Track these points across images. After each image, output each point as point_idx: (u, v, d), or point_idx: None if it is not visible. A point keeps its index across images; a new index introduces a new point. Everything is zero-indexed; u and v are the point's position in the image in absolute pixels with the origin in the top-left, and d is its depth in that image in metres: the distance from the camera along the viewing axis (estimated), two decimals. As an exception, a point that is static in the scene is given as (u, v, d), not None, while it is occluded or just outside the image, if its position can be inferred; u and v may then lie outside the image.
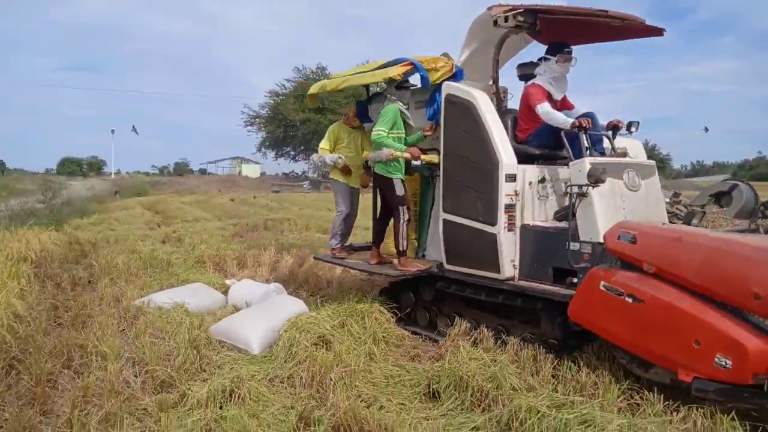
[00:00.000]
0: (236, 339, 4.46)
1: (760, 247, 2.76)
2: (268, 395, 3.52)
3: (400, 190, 4.78)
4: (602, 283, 3.40)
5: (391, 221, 4.99)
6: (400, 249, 4.82)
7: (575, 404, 2.98)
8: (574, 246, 3.90)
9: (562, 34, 4.66)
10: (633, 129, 4.98)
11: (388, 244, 5.24)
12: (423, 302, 5.18)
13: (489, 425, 3.01)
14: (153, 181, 43.21)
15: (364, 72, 5.21)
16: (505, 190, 4.23)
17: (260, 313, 4.76)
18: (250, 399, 3.39)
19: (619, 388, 3.27)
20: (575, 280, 3.88)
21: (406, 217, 4.79)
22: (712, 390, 2.90)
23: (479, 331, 4.35)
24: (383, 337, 4.53)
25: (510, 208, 4.26)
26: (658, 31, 4.62)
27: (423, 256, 5.37)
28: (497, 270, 4.32)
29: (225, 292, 5.99)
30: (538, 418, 2.81)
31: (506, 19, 4.40)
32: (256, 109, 45.78)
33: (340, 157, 5.35)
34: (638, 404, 3.15)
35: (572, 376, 3.56)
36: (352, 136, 5.64)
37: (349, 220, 5.69)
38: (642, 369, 3.38)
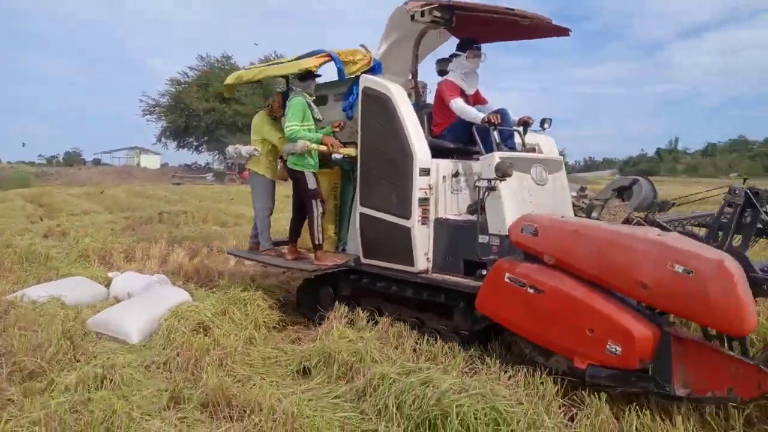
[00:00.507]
0: (115, 330, 4.35)
1: (646, 239, 2.90)
2: (143, 380, 3.55)
3: (312, 184, 4.70)
4: (507, 274, 3.48)
5: None
6: (316, 243, 4.76)
7: (422, 370, 3.29)
8: (483, 239, 3.97)
9: (477, 31, 4.74)
10: (546, 126, 5.13)
11: (308, 238, 5.17)
12: (342, 297, 5.13)
13: (348, 394, 3.29)
14: (39, 172, 40.01)
15: (282, 63, 5.09)
16: (419, 183, 4.25)
17: (141, 304, 4.66)
18: (123, 384, 3.39)
19: (464, 357, 3.74)
20: (484, 272, 3.95)
21: (320, 210, 4.73)
22: (603, 376, 3.03)
23: (355, 313, 4.54)
24: (264, 322, 4.65)
25: (424, 201, 4.29)
26: (564, 31, 4.78)
27: (344, 250, 5.33)
28: (411, 263, 4.34)
29: (108, 285, 5.73)
30: (390, 384, 3.11)
31: (422, 14, 4.42)
32: (155, 97, 42.69)
33: (256, 149, 5.20)
34: (479, 368, 3.56)
35: (428, 348, 3.94)
36: (277, 127, 5.50)
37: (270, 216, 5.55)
38: (543, 357, 3.49)
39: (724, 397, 2.73)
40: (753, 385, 2.64)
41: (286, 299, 5.59)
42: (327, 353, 3.74)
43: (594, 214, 4.09)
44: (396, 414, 2.89)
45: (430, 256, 4.37)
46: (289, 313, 5.25)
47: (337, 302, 4.89)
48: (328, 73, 4.89)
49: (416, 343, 4.06)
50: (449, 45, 5.27)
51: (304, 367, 3.78)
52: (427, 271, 4.37)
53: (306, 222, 4.91)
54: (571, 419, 2.96)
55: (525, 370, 3.33)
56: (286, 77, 5.45)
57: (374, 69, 4.73)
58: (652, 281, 2.83)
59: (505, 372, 3.41)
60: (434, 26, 4.68)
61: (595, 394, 3.00)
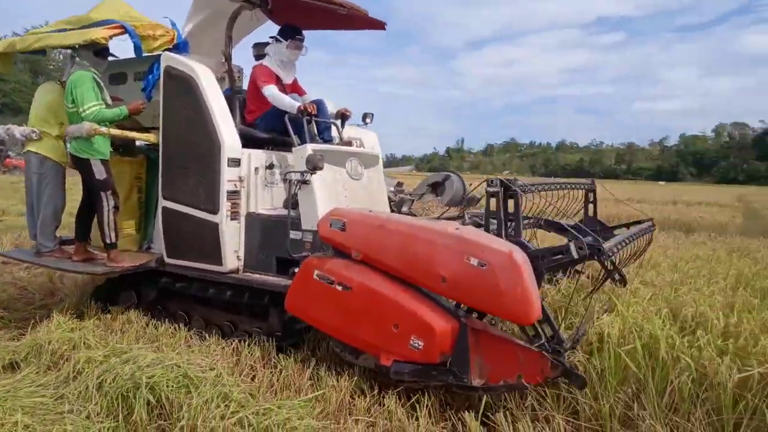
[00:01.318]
0: None
1: (445, 233, 2.92)
2: None
3: (100, 173, 4.09)
4: (316, 272, 3.31)
5: None
6: (108, 241, 4.16)
7: (132, 350, 3.31)
8: (295, 235, 3.77)
9: (294, 16, 4.52)
10: (368, 120, 5.10)
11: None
12: (147, 301, 4.58)
13: (54, 382, 3.21)
14: None
15: (66, 30, 4.35)
16: (227, 175, 3.91)
17: None
18: None
19: (184, 336, 3.94)
20: (296, 270, 3.75)
21: (111, 204, 4.13)
22: (407, 371, 3.00)
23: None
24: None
25: (233, 194, 3.96)
26: (380, 25, 4.77)
27: (149, 248, 4.76)
28: (220, 262, 3.99)
29: None
30: (95, 367, 3.13)
31: (234, -9, 4.08)
32: None
33: (34, 131, 4.38)
34: (196, 345, 3.79)
35: (153, 331, 4.02)
36: None
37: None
38: (353, 356, 3.39)
39: (514, 384, 2.85)
40: (537, 370, 2.79)
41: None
42: (37, 345, 3.59)
43: (404, 209, 4.12)
44: (95, 394, 2.92)
45: (241, 254, 4.06)
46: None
47: (136, 306, 4.35)
48: (124, 48, 4.30)
49: (144, 329, 4.08)
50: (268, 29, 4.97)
51: (13, 362, 3.54)
52: (237, 271, 4.05)
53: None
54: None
55: (237, 342, 3.74)
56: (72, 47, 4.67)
57: (179, 47, 4.26)
58: (450, 275, 2.85)
59: (220, 346, 3.72)
60: (248, 6, 4.37)
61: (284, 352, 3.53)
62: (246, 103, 4.54)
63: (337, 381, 3.19)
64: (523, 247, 2.96)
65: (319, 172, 3.66)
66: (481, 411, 2.88)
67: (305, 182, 3.70)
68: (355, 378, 3.25)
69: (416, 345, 2.96)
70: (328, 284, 3.26)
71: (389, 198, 4.55)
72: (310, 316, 3.43)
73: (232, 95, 4.55)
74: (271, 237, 3.97)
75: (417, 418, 2.87)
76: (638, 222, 4.42)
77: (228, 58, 4.63)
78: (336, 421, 2.90)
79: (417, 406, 2.97)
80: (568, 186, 4.19)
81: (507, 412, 2.85)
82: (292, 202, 3.75)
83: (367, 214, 3.23)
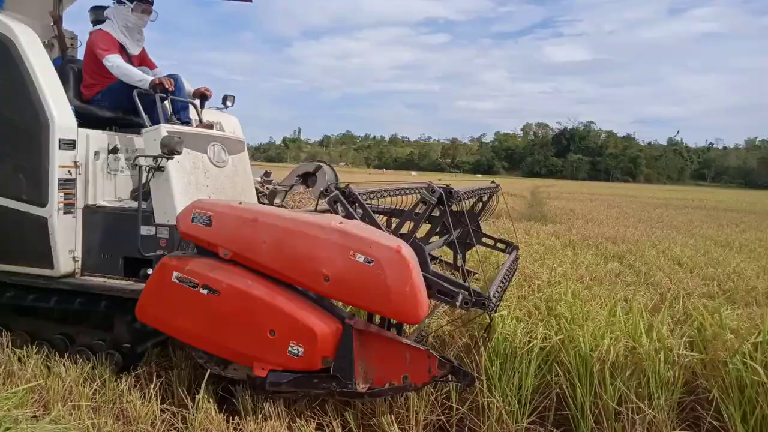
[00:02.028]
0: None
1: (328, 228, 2.67)
2: None
3: None
4: (175, 273, 2.85)
5: None
6: None
7: None
8: (147, 231, 3.26)
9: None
10: (229, 103, 4.63)
11: None
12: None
13: None
14: None
15: None
16: (59, 160, 3.25)
17: None
18: None
19: None
20: (150, 272, 3.24)
21: None
22: (285, 381, 2.71)
23: None
24: None
25: (67, 183, 3.31)
26: None
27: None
28: (50, 265, 3.32)
29: None
30: None
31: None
32: None
33: None
34: None
35: None
36: None
37: None
38: (220, 367, 3.00)
39: (401, 386, 2.69)
40: (424, 369, 2.66)
41: None
42: None
43: (277, 201, 3.77)
44: None
45: (78, 254, 3.42)
46: None
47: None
48: None
49: None
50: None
51: None
52: (74, 274, 3.41)
53: None
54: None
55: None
56: None
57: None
58: (334, 273, 2.60)
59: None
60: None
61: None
62: (82, 75, 3.83)
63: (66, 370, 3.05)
64: (421, 252, 2.78)
65: (176, 158, 3.17)
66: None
67: (159, 169, 3.19)
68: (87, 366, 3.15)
69: (296, 351, 2.67)
70: (190, 288, 2.83)
71: (257, 189, 4.16)
72: (167, 325, 2.96)
73: (63, 65, 3.82)
74: (117, 234, 3.39)
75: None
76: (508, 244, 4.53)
77: (58, 21, 3.88)
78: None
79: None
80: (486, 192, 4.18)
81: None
82: (143, 193, 3.22)
83: (237, 207, 2.85)
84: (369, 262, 2.56)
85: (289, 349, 2.68)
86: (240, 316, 2.75)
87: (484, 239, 4.46)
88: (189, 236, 2.90)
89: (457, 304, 2.73)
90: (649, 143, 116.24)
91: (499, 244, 4.53)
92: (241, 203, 2.89)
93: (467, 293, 2.72)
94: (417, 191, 4.25)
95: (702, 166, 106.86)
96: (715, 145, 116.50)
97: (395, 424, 2.77)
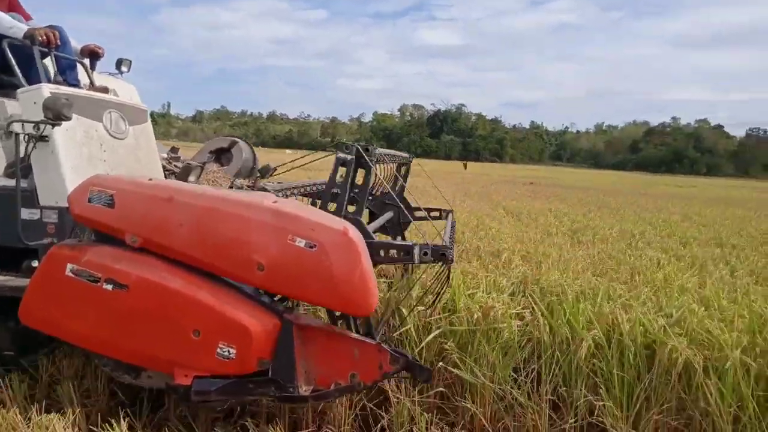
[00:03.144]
0: None
1: (261, 207, 2.28)
2: None
3: None
4: (69, 266, 2.34)
5: None
6: None
7: None
8: (29, 214, 2.68)
9: None
10: (124, 68, 4.03)
11: None
12: None
13: None
14: None
15: None
16: None
17: None
18: None
19: None
20: (35, 264, 2.67)
21: None
22: (214, 389, 2.31)
23: None
24: None
25: None
26: None
27: None
28: None
29: None
30: None
31: None
32: None
33: None
34: None
35: None
36: None
37: None
38: (132, 375, 2.54)
39: (348, 386, 2.39)
40: (374, 366, 2.38)
41: None
42: None
43: (191, 178, 3.28)
44: None
45: (-66, 244, 2.74)
46: None
47: None
48: None
49: None
50: None
51: None
52: (-71, 270, 2.74)
53: None
54: None
55: None
56: None
57: None
58: (269, 260, 2.23)
59: None
60: None
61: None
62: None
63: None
64: (360, 226, 2.49)
65: (65, 125, 2.61)
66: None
67: (42, 138, 2.61)
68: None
69: (226, 353, 2.28)
70: (89, 283, 2.33)
71: (164, 167, 3.62)
72: (61, 328, 2.44)
73: None
74: (-11, 219, 2.76)
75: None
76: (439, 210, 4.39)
77: None
78: None
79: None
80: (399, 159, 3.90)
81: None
82: (22, 168, 2.62)
83: (147, 184, 2.37)
84: (311, 247, 2.22)
85: (218, 351, 2.28)
86: (155, 314, 2.30)
87: (416, 213, 4.24)
88: (86, 220, 2.38)
89: (416, 259, 2.48)
90: (514, 126, 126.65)
91: (433, 213, 4.33)
92: (151, 179, 2.41)
93: (424, 245, 2.48)
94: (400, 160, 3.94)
95: (559, 148, 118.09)
96: (570, 129, 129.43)
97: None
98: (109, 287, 2.32)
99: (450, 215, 4.32)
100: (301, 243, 2.21)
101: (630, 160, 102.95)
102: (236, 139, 4.02)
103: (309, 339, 2.40)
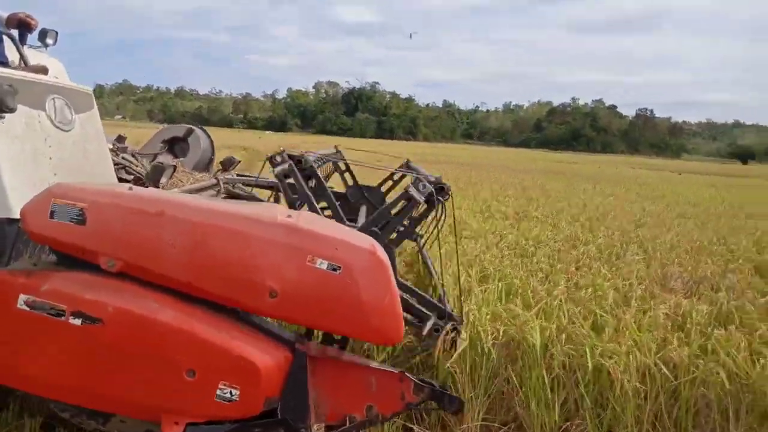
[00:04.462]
0: None
1: (273, 223, 1.93)
2: None
3: None
4: (23, 297, 1.87)
5: None
6: None
7: None
8: (-43, 228, 2.13)
9: None
10: (50, 41, 3.44)
11: None
12: None
13: None
14: None
15: None
16: None
17: None
18: None
19: None
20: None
21: None
22: (212, 438, 1.95)
23: None
24: None
25: None
26: None
27: None
28: None
29: None
30: None
31: None
32: None
33: None
34: None
35: None
36: None
37: None
38: (99, 421, 2.11)
39: (363, 419, 2.12)
40: (396, 396, 2.13)
41: None
42: None
43: (163, 180, 2.79)
44: None
45: None
46: None
47: None
48: None
49: None
50: None
51: None
52: None
53: None
54: None
55: None
56: None
57: None
58: (283, 286, 1.90)
59: None
60: None
61: None
62: None
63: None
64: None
65: (7, 116, 2.08)
66: None
67: (-27, 134, 2.07)
68: None
69: (228, 395, 1.93)
70: (50, 317, 1.87)
71: (133, 166, 3.07)
72: (9, 375, 1.96)
73: None
74: None
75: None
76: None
77: None
78: None
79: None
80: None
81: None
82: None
83: (128, 195, 1.93)
84: (334, 270, 1.91)
85: (218, 393, 1.92)
86: (138, 353, 1.90)
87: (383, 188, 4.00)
88: (47, 239, 1.91)
89: (424, 330, 2.24)
90: (428, 105, 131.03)
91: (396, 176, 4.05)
92: (131, 188, 1.97)
93: (439, 317, 2.23)
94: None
95: (470, 127, 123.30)
96: (480, 108, 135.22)
97: None
98: (77, 322, 1.88)
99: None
100: (323, 265, 1.90)
101: (534, 139, 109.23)
102: (193, 127, 3.53)
103: (320, 371, 2.11)
